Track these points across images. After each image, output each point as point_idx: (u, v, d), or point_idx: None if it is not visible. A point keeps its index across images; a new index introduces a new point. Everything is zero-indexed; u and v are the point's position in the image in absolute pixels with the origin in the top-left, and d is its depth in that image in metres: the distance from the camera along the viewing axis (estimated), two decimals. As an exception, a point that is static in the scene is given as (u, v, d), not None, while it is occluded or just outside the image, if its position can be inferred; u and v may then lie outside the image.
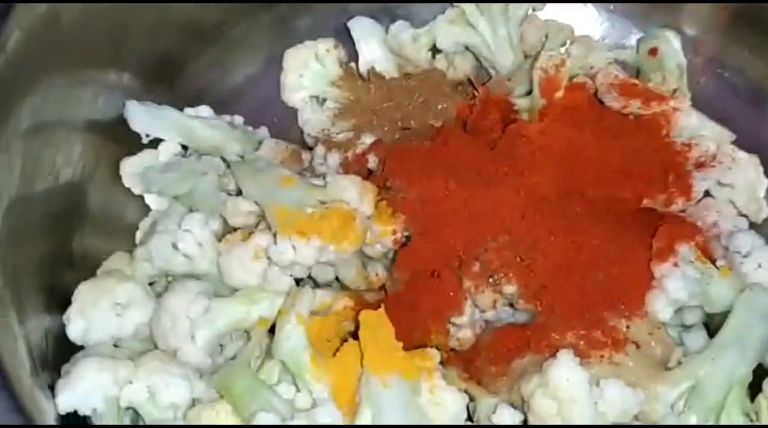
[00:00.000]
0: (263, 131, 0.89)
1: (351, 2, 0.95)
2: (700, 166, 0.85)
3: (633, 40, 0.97)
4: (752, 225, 0.86)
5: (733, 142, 0.89)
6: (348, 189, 0.70)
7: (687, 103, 0.88)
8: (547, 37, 0.96)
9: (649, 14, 0.97)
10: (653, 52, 0.93)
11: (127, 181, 0.79)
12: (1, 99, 0.60)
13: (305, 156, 0.87)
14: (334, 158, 0.81)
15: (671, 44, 0.93)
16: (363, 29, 0.88)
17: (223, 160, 0.83)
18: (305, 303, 0.68)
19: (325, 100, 0.84)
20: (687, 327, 0.78)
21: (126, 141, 0.80)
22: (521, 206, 0.76)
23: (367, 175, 0.82)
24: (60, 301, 0.70)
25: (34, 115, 0.66)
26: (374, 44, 0.88)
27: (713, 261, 0.77)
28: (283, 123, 0.91)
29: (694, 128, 0.88)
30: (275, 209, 0.70)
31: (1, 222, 0.64)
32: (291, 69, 0.83)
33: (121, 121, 0.79)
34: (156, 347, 0.68)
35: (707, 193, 0.86)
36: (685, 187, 0.83)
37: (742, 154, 0.87)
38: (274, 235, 0.69)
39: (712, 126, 0.89)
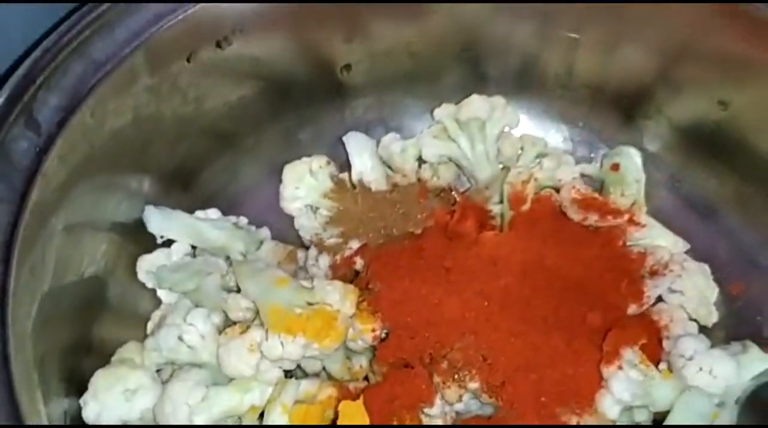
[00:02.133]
0: (265, 231, 0.99)
1: (349, 115, 1.08)
2: (653, 273, 0.95)
3: (600, 154, 1.08)
4: (703, 329, 0.94)
5: (687, 252, 0.99)
6: (331, 293, 0.80)
7: (642, 216, 0.99)
8: (522, 149, 1.07)
9: (614, 131, 1.07)
10: (615, 167, 1.03)
11: (142, 277, 0.89)
12: (40, 212, 0.69)
13: (301, 254, 0.97)
14: (325, 260, 0.92)
15: (632, 160, 1.03)
16: (356, 143, 1.00)
17: (228, 257, 0.94)
18: (290, 395, 0.77)
19: (318, 208, 0.95)
20: (637, 425, 0.86)
21: (143, 240, 0.91)
22: (486, 310, 0.85)
23: (355, 275, 0.93)
24: (78, 385, 0.79)
25: (66, 221, 0.75)
26: (366, 157, 0.99)
27: (659, 363, 0.86)
28: (283, 223, 1.01)
29: (651, 237, 0.98)
30: (268, 308, 0.80)
31: (35, 314, 0.73)
32: (289, 182, 0.95)
33: (140, 223, 0.90)
34: (159, 430, 0.78)
35: (660, 299, 0.95)
36: (637, 293, 0.92)
37: (692, 263, 0.96)
38: (266, 332, 0.79)
39: (668, 235, 0.99)
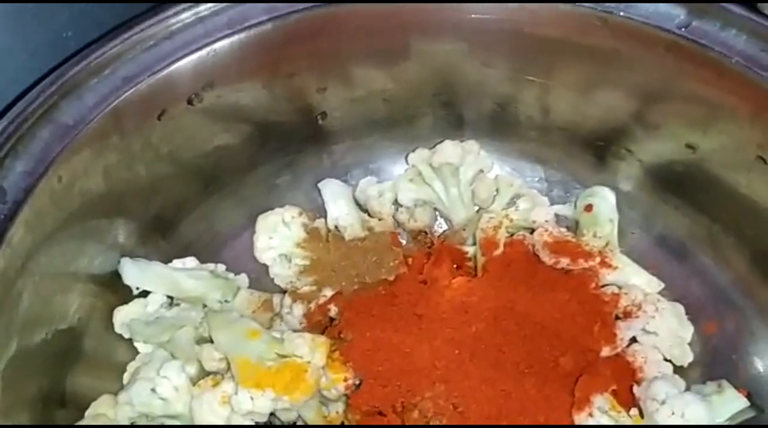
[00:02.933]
0: (243, 278, 1.00)
1: (327, 159, 1.09)
2: (627, 314, 0.95)
3: (576, 194, 1.09)
4: (679, 369, 0.95)
5: (661, 291, 0.99)
6: (301, 345, 0.81)
7: (616, 257, 0.99)
8: (498, 191, 1.08)
9: (589, 172, 1.07)
10: (588, 208, 1.03)
11: (118, 329, 0.90)
12: (5, 278, 0.70)
13: (276, 300, 0.98)
14: (299, 308, 0.93)
15: (605, 200, 1.03)
16: (332, 190, 1.02)
17: (205, 306, 0.95)
18: (260, 450, 0.78)
19: (292, 257, 0.96)
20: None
21: (120, 291, 0.91)
22: (457, 357, 0.86)
23: (329, 322, 0.94)
24: (49, 442, 0.80)
25: (35, 284, 0.76)
26: (341, 203, 1.01)
27: (631, 408, 0.86)
28: (261, 269, 1.02)
29: (625, 277, 0.99)
30: (239, 361, 0.81)
31: (3, 368, 0.74)
32: (262, 232, 0.96)
33: (116, 275, 0.91)
34: (130, 486, 0.78)
35: (634, 339, 0.96)
36: (610, 336, 0.93)
37: (666, 303, 0.96)
38: (236, 386, 0.80)
39: (642, 275, 0.99)
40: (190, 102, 0.86)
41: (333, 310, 0.93)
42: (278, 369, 0.79)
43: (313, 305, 0.92)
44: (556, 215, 1.05)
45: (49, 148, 0.73)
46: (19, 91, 0.74)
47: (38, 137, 0.72)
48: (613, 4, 0.87)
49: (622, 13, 0.86)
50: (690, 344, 0.96)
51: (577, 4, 0.87)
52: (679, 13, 0.86)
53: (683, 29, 0.86)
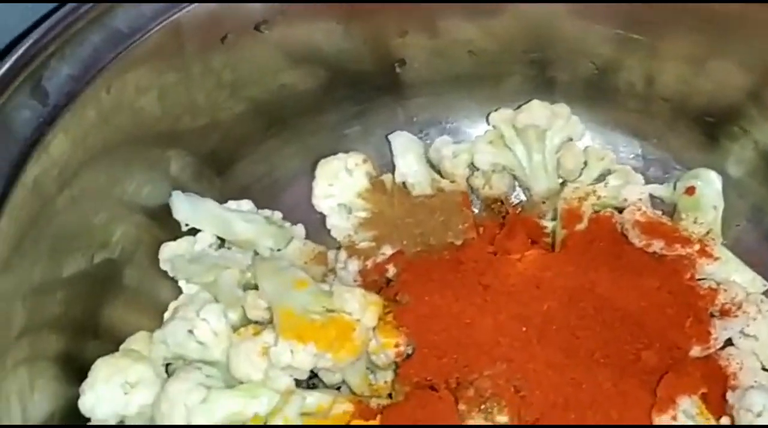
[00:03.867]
0: (300, 228, 0.94)
1: (401, 113, 1.01)
2: (724, 313, 0.84)
3: (675, 175, 0.98)
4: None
5: (766, 292, 0.87)
6: (350, 300, 0.74)
7: (717, 248, 0.88)
8: (586, 163, 0.98)
9: (693, 152, 0.97)
10: (690, 191, 0.92)
11: (163, 265, 0.85)
12: (39, 187, 0.66)
13: (331, 256, 0.91)
14: (355, 265, 0.85)
15: (711, 184, 0.92)
16: (402, 143, 0.94)
17: (256, 252, 0.89)
18: (293, 408, 0.71)
19: (352, 209, 0.89)
20: (688, 482, 0.75)
21: (169, 226, 0.87)
22: (523, 336, 0.77)
23: (386, 283, 0.86)
24: (79, 371, 0.76)
25: (73, 199, 0.71)
26: (411, 158, 0.93)
27: (721, 417, 0.75)
28: (318, 222, 0.96)
29: (726, 272, 0.87)
30: (282, 311, 0.75)
31: (32, 283, 0.69)
32: (322, 178, 0.89)
33: (166, 208, 0.86)
34: (155, 429, 0.73)
35: (730, 342, 0.84)
36: (703, 334, 0.82)
37: (770, 306, 0.85)
38: (276, 337, 0.73)
39: (745, 272, 0.88)
40: (257, 28, 0.79)
41: (391, 270, 0.85)
42: (323, 324, 0.72)
43: (370, 262, 0.85)
44: (651, 196, 0.94)
45: (99, 54, 0.67)
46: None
47: (88, 41, 0.67)
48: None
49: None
50: (791, 352, 0.83)
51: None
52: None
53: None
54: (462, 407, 0.76)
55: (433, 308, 0.79)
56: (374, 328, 0.77)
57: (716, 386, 0.79)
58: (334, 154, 0.96)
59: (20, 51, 0.63)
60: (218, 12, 0.75)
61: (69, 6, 0.65)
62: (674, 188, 0.95)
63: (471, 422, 0.75)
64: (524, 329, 0.77)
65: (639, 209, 0.88)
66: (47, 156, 0.64)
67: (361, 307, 0.74)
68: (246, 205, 0.92)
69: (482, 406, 0.75)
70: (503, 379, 0.75)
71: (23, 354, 0.67)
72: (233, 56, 0.81)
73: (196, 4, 0.71)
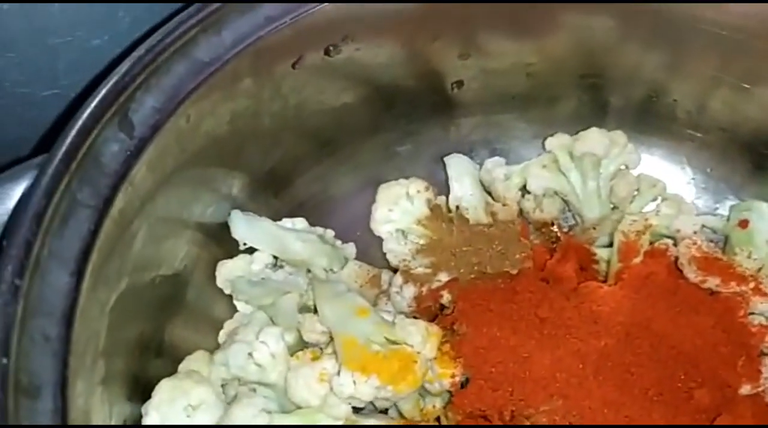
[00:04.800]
0: (351, 247, 0.95)
1: (454, 133, 1.01)
2: (772, 351, 0.84)
3: (727, 206, 0.98)
4: (825, 422, 0.83)
5: (810, 329, 0.87)
6: (414, 333, 0.74)
7: (769, 285, 0.88)
8: (638, 191, 0.98)
9: (746, 182, 0.97)
10: (743, 224, 0.92)
11: (220, 283, 0.86)
12: (123, 218, 0.67)
13: (385, 277, 0.92)
14: (410, 290, 0.86)
15: (764, 218, 0.92)
16: (458, 167, 0.94)
17: (309, 270, 0.89)
18: (356, 438, 0.72)
19: (409, 234, 0.89)
20: None
21: (226, 244, 0.87)
22: (580, 372, 0.78)
23: (440, 309, 0.87)
24: (142, 390, 0.77)
25: (149, 226, 0.73)
26: (467, 182, 0.93)
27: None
28: (369, 241, 0.96)
29: (774, 308, 0.88)
30: (345, 339, 0.75)
31: (108, 311, 0.71)
32: (383, 203, 0.89)
33: (225, 226, 0.87)
34: (218, 452, 0.74)
35: (776, 379, 0.84)
36: (754, 372, 0.82)
37: (817, 344, 0.85)
38: (339, 365, 0.74)
39: (795, 309, 0.88)
40: (327, 52, 0.79)
41: (446, 297, 0.85)
42: (386, 356, 0.73)
43: (425, 288, 0.85)
44: (702, 227, 0.94)
45: (182, 84, 0.67)
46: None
47: (172, 72, 0.67)
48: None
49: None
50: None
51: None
52: None
53: None
54: (516, 440, 0.77)
55: (491, 340, 0.79)
56: (432, 358, 0.77)
57: (764, 422, 0.80)
58: (386, 172, 0.96)
59: (110, 83, 0.63)
60: (292, 38, 0.75)
61: (155, 36, 0.65)
62: (728, 220, 0.94)
63: (526, 457, 0.76)
64: (581, 365, 0.77)
65: (695, 243, 0.88)
66: (132, 188, 0.65)
67: (423, 340, 0.74)
68: (300, 223, 0.92)
69: (533, 440, 0.75)
70: (559, 415, 0.76)
71: (101, 373, 0.68)
72: (301, 80, 0.81)
73: (276, 26, 0.71)
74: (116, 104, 0.64)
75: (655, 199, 0.97)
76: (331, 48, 0.81)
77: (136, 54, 0.65)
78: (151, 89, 0.66)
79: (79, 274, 0.61)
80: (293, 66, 0.79)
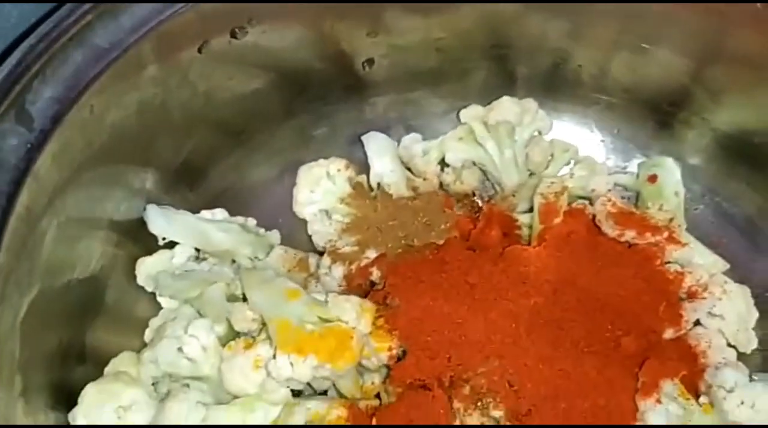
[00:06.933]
0: (275, 234, 0.93)
1: (368, 113, 1.01)
2: (691, 295, 0.88)
3: (635, 164, 1.01)
4: (740, 356, 0.88)
5: (726, 272, 0.92)
6: (348, 310, 0.74)
7: (681, 234, 0.92)
8: (552, 156, 1.00)
9: (651, 140, 1.00)
10: (652, 178, 0.96)
11: (141, 281, 0.83)
12: (30, 215, 0.63)
13: (312, 260, 0.91)
14: (339, 270, 0.85)
15: (671, 172, 0.96)
16: (377, 144, 0.94)
17: (234, 261, 0.87)
18: (299, 417, 0.71)
19: (333, 214, 0.89)
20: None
21: (144, 241, 0.84)
22: (514, 332, 0.79)
23: (370, 286, 0.86)
24: (67, 396, 0.73)
25: (59, 223, 0.69)
26: (386, 159, 0.93)
27: (698, 395, 0.80)
28: (293, 226, 0.95)
29: (688, 256, 0.92)
30: (278, 323, 0.74)
31: (21, 317, 0.68)
32: (304, 185, 0.88)
33: (141, 223, 0.84)
34: (154, 452, 0.71)
35: (698, 323, 0.89)
36: (675, 317, 0.86)
37: (733, 285, 0.90)
38: (274, 350, 0.73)
39: (706, 254, 0.92)
40: (233, 35, 0.78)
41: (376, 274, 0.85)
42: (321, 335, 0.72)
43: (354, 267, 0.85)
44: (615, 185, 0.97)
45: (81, 72, 0.64)
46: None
47: (70, 60, 0.64)
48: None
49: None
50: (753, 329, 0.89)
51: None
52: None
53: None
54: (457, 405, 0.77)
55: (424, 310, 0.79)
56: (367, 334, 0.77)
57: (689, 366, 0.83)
58: (304, 156, 0.96)
59: (2, 75, 0.60)
60: (195, 21, 0.73)
61: (48, 23, 0.62)
62: (637, 177, 0.98)
63: (468, 419, 0.77)
64: (514, 325, 0.79)
65: (610, 200, 0.91)
66: (37, 183, 0.61)
67: (357, 315, 0.74)
68: (220, 213, 0.90)
69: (478, 403, 0.76)
70: (497, 375, 0.77)
71: (20, 387, 0.64)
72: (208, 65, 0.79)
73: (178, 9, 0.68)
74: (11, 96, 0.60)
75: (568, 163, 0.99)
76: (236, 30, 0.79)
77: (27, 43, 0.62)
78: (48, 79, 0.63)
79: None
80: (199, 50, 0.76)
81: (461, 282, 0.82)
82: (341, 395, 0.83)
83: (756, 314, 0.90)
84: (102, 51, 0.66)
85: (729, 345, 0.88)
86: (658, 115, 0.97)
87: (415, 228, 0.85)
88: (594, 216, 0.91)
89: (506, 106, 0.94)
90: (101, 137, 0.70)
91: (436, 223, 0.85)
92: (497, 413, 0.76)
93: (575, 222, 0.89)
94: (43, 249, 0.66)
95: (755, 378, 0.82)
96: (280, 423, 0.72)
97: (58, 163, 0.64)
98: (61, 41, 0.63)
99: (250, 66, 0.86)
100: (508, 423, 0.76)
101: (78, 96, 0.64)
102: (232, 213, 0.92)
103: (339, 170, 0.88)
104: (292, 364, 0.72)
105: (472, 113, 0.96)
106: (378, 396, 0.83)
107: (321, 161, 0.90)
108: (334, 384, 0.83)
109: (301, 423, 0.72)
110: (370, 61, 0.94)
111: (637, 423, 0.75)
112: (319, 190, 0.88)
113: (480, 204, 0.99)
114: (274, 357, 0.72)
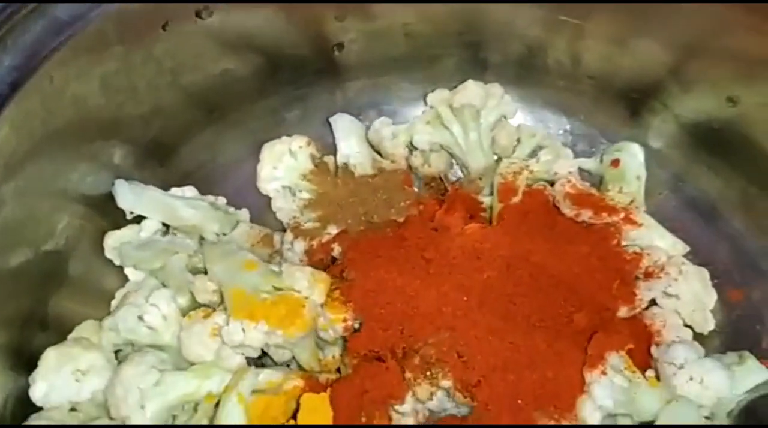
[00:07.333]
0: (244, 213, 0.95)
1: (340, 96, 1.03)
2: (648, 275, 0.90)
3: (601, 149, 1.03)
4: (698, 337, 0.89)
5: (686, 255, 0.94)
6: (300, 279, 0.76)
7: (640, 215, 0.93)
8: (519, 141, 1.02)
9: (617, 126, 1.02)
10: (615, 163, 0.98)
11: (108, 254, 0.86)
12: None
13: (277, 238, 0.93)
14: (301, 245, 0.88)
15: (634, 157, 0.98)
16: (344, 126, 0.96)
17: (202, 237, 0.90)
18: (247, 384, 0.73)
19: (296, 191, 0.91)
20: (620, 430, 0.81)
21: (112, 215, 0.87)
22: (465, 305, 0.81)
23: (332, 261, 0.89)
24: (28, 361, 0.76)
25: (19, 191, 0.71)
26: (353, 140, 0.95)
27: (647, 370, 0.81)
28: (263, 205, 0.97)
29: (649, 238, 0.93)
30: (233, 292, 0.76)
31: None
32: (266, 161, 0.90)
33: (110, 197, 0.86)
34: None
35: (654, 302, 0.90)
36: (629, 295, 0.87)
37: (690, 267, 0.91)
38: (228, 317, 0.75)
39: (667, 237, 0.94)
40: (198, 15, 0.80)
41: (336, 249, 0.88)
42: (273, 302, 0.74)
43: (315, 242, 0.87)
44: (580, 169, 0.99)
45: (41, 43, 0.67)
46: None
47: (30, 31, 0.66)
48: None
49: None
50: (712, 311, 0.91)
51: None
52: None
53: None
54: (408, 375, 0.79)
55: (379, 283, 0.82)
56: (323, 305, 0.79)
57: (642, 343, 0.85)
58: (275, 137, 0.98)
59: (-40, 42, 0.63)
60: (156, -1, 0.76)
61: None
62: (601, 161, 1.00)
63: (418, 389, 0.78)
64: (465, 298, 0.81)
65: (569, 181, 0.93)
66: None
67: (309, 285, 0.76)
68: (190, 191, 0.92)
69: (428, 373, 0.78)
70: (446, 346, 0.79)
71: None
72: (174, 43, 0.82)
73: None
74: (-32, 63, 0.63)
75: (534, 148, 1.01)
76: (202, 10, 0.81)
77: (-13, 11, 0.65)
78: (8, 48, 0.65)
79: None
80: (163, 27, 0.79)
81: (417, 257, 0.84)
82: (302, 369, 0.85)
83: (715, 296, 0.91)
84: (62, 23, 0.68)
85: (686, 325, 0.89)
86: (627, 102, 0.99)
87: (375, 205, 0.87)
88: (554, 197, 0.93)
89: (471, 90, 0.96)
90: (64, 109, 0.72)
91: (396, 200, 0.87)
92: (446, 383, 0.78)
93: (534, 202, 0.91)
94: (1, 214, 0.68)
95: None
96: (230, 387, 0.73)
97: (17, 130, 0.66)
98: (21, 12, 0.66)
99: (219, 46, 0.88)
100: (458, 393, 0.78)
101: (37, 65, 0.66)
102: (203, 191, 0.94)
103: (301, 147, 0.91)
104: (243, 330, 0.74)
105: (438, 97, 0.98)
106: (339, 371, 0.86)
107: (284, 138, 0.92)
108: (294, 358, 0.85)
109: (250, 387, 0.73)
110: (340, 45, 0.96)
111: (584, 394, 0.77)
112: (282, 167, 0.90)
113: (447, 187, 1.00)
114: (227, 324, 0.75)
